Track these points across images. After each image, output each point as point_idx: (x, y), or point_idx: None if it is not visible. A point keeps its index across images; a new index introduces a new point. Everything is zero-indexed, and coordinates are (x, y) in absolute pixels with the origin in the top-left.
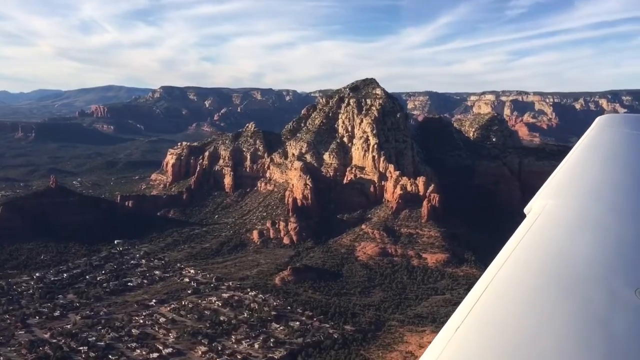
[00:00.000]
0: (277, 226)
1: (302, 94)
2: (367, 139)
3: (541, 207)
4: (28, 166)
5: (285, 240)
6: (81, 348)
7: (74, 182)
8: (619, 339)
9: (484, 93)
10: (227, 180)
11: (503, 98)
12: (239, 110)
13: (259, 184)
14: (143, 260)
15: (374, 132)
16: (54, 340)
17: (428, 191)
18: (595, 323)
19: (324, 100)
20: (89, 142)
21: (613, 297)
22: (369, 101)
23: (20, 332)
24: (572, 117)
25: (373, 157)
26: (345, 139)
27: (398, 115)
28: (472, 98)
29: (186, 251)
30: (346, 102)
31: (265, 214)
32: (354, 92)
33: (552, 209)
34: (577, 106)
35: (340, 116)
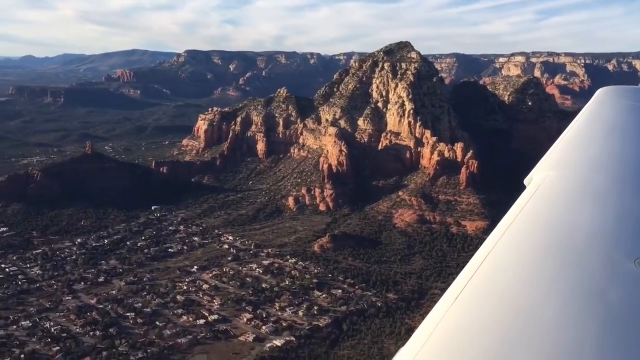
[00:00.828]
0: (312, 193)
1: (326, 56)
2: (402, 104)
3: (542, 178)
4: (59, 131)
5: (321, 207)
6: (128, 314)
7: (105, 147)
8: (618, 309)
9: (513, 55)
10: (260, 146)
11: (533, 60)
12: (263, 74)
13: (292, 150)
14: (181, 227)
15: (410, 97)
16: (101, 306)
17: (466, 157)
18: (595, 293)
19: (357, 64)
20: (116, 107)
21: (612, 268)
22: (403, 65)
23: (67, 298)
24: (604, 78)
25: (409, 122)
26: (379, 104)
27: (434, 80)
28: (501, 60)
29: (223, 217)
30: (380, 66)
31: (299, 180)
32: (388, 56)
33: (553, 180)
34: (610, 67)
35: (374, 81)
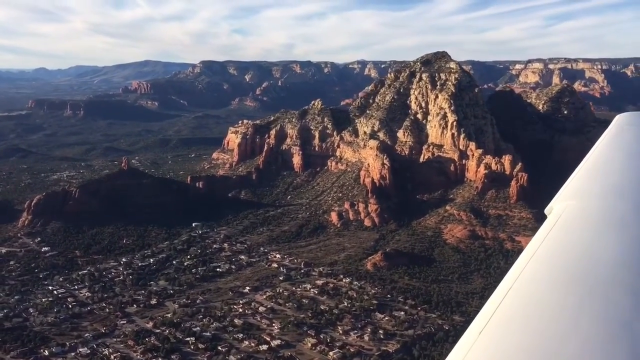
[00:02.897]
0: (356, 208)
1: (340, 65)
2: (444, 116)
3: (562, 208)
4: (83, 144)
5: (367, 222)
6: (188, 339)
7: (132, 160)
8: None
9: (529, 61)
10: (296, 160)
11: (550, 66)
12: (279, 83)
13: (329, 163)
14: (225, 244)
15: (452, 108)
16: (158, 330)
17: (515, 170)
18: (621, 324)
19: (392, 75)
20: (135, 119)
21: (637, 299)
22: (442, 76)
23: (122, 322)
24: (624, 84)
25: (452, 134)
26: (419, 116)
27: (476, 90)
28: (517, 67)
29: (266, 234)
30: (418, 77)
31: (340, 194)
32: (425, 67)
33: (574, 210)
34: (628, 73)
35: (412, 92)
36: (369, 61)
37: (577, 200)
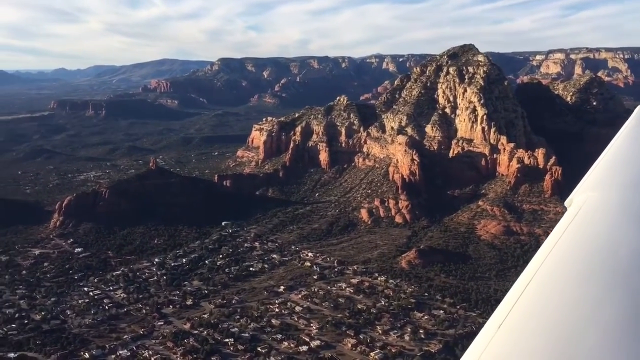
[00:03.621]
0: (386, 204)
1: (357, 59)
2: (474, 110)
3: (583, 200)
4: (106, 144)
5: (398, 219)
6: (227, 340)
7: (156, 159)
8: None
9: (550, 52)
10: (323, 157)
11: (572, 56)
12: (297, 79)
13: (356, 160)
14: (256, 243)
15: (482, 101)
16: (196, 332)
17: (549, 164)
18: None
19: (418, 69)
20: (156, 118)
21: None
22: (470, 69)
23: (159, 323)
24: None
25: (482, 128)
26: (447, 110)
27: (505, 83)
28: (538, 58)
29: (297, 232)
30: (445, 70)
31: (369, 191)
32: (452, 60)
33: (594, 202)
34: None
35: (439, 86)
36: (387, 55)
37: (598, 192)
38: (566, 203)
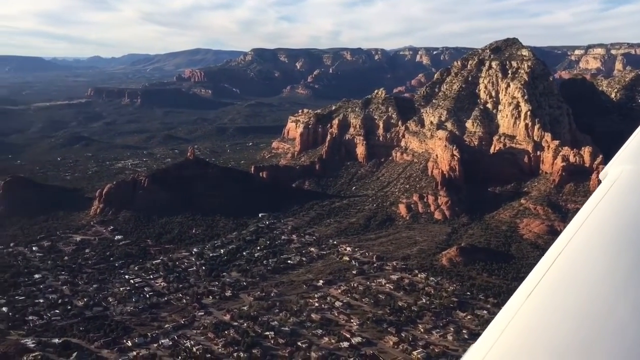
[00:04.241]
0: (425, 200)
1: (390, 52)
2: (517, 105)
3: (618, 172)
4: (142, 132)
5: (437, 215)
6: (267, 333)
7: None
8: None
9: (590, 46)
10: (360, 150)
11: (613, 52)
12: (330, 71)
13: (394, 154)
14: (294, 236)
15: (525, 97)
16: (236, 323)
17: (595, 162)
18: None
19: (459, 63)
20: (191, 107)
21: None
22: (514, 63)
23: (199, 313)
24: None
25: (526, 125)
26: (489, 105)
27: (550, 79)
28: (577, 52)
29: (334, 226)
30: (487, 65)
31: (407, 186)
32: (495, 54)
33: (629, 174)
34: None
35: (481, 80)
36: (420, 47)
37: (634, 165)
38: (601, 176)
